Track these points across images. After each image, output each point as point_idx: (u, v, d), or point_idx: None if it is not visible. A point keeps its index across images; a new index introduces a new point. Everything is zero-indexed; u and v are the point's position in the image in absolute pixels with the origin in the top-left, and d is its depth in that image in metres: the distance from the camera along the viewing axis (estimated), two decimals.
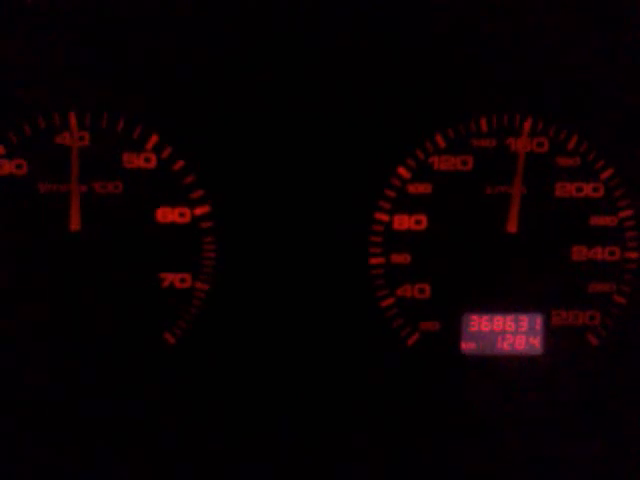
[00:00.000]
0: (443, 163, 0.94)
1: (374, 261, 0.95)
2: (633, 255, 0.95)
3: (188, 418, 0.93)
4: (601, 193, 0.95)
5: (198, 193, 0.93)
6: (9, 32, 0.89)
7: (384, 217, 0.94)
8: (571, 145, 0.94)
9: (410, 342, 0.96)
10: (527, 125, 0.92)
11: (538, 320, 0.95)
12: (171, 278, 0.93)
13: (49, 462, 0.90)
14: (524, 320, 0.95)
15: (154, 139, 0.92)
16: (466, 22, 0.91)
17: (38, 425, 0.91)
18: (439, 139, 0.94)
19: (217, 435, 0.92)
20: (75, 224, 0.90)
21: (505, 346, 0.96)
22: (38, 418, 0.92)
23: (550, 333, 0.96)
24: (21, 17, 0.89)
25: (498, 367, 0.95)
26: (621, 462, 0.90)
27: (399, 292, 0.95)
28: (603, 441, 0.93)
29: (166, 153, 0.92)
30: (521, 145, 0.92)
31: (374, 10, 0.89)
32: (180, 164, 0.93)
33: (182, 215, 0.93)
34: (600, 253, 0.95)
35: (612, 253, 0.95)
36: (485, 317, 0.95)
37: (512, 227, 0.92)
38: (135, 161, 0.92)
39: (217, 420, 0.92)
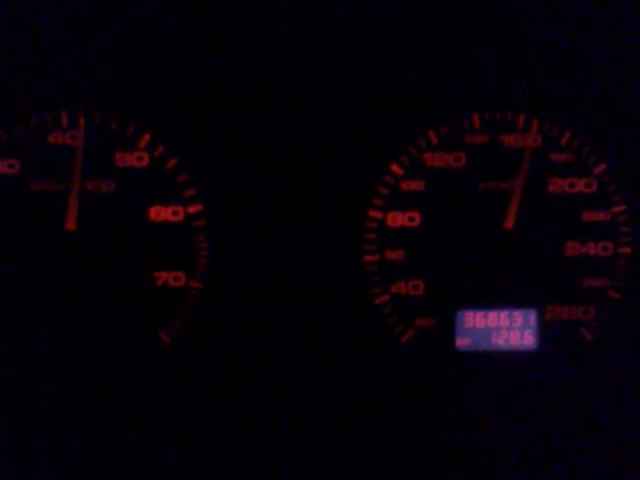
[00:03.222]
0: (436, 160, 0.94)
1: (368, 258, 0.95)
2: (626, 250, 0.95)
3: (184, 417, 0.93)
4: (594, 188, 0.95)
5: (191, 191, 0.93)
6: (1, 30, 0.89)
7: (377, 214, 0.94)
8: (564, 141, 0.94)
9: (404, 339, 0.96)
10: (536, 123, 0.92)
11: (532, 315, 0.95)
12: (165, 277, 0.93)
13: (45, 461, 0.90)
14: (518, 316, 0.95)
15: (146, 138, 0.92)
16: (461, 19, 0.90)
17: (33, 426, 0.91)
18: (432, 136, 0.94)
19: (213, 434, 0.92)
20: (71, 223, 0.90)
21: (500, 342, 0.96)
22: (33, 418, 0.92)
23: (544, 328, 0.96)
24: (14, 15, 0.88)
25: (493, 363, 0.96)
26: (617, 457, 0.90)
27: (393, 289, 0.95)
28: (598, 436, 0.93)
29: (158, 152, 0.92)
30: (529, 142, 0.92)
31: (368, 8, 0.89)
32: (173, 163, 0.92)
33: (175, 213, 0.93)
34: (593, 248, 0.95)
35: (605, 248, 0.95)
36: (479, 313, 0.95)
37: (509, 223, 0.92)
38: (128, 160, 0.92)
39: (212, 419, 0.92)
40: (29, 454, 0.90)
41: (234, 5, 0.89)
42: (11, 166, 0.91)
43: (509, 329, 0.96)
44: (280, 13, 0.90)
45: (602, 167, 0.94)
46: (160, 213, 0.92)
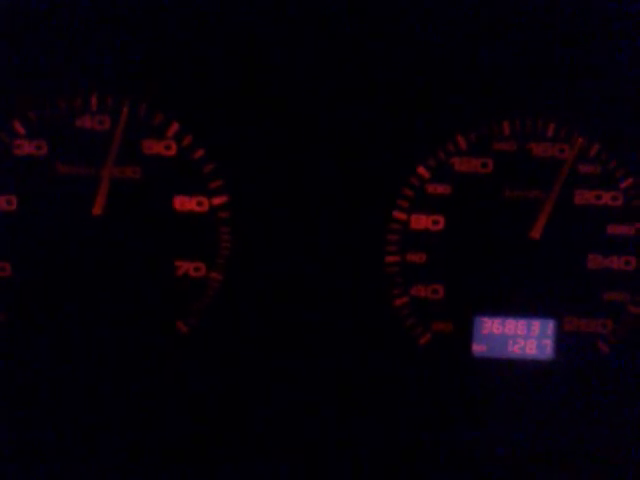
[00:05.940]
0: (463, 165, 0.93)
1: (390, 259, 0.94)
2: None
3: (200, 406, 0.93)
4: (620, 202, 0.94)
5: (217, 183, 0.93)
6: (32, 14, 0.88)
7: (402, 216, 0.94)
8: (592, 152, 0.94)
9: (422, 342, 0.96)
10: (580, 141, 0.92)
11: (550, 325, 0.95)
12: (186, 267, 0.93)
13: (56, 449, 0.90)
14: (536, 325, 0.95)
15: (175, 127, 0.92)
16: (492, 25, 0.90)
17: (48, 411, 0.91)
18: (460, 140, 0.93)
19: (228, 424, 0.92)
20: (99, 208, 0.90)
21: (516, 350, 0.96)
22: (48, 403, 0.92)
23: (561, 339, 0.96)
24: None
25: (508, 370, 0.96)
26: (632, 468, 0.90)
27: (413, 291, 0.95)
28: (611, 449, 0.93)
29: (186, 141, 0.92)
30: (571, 155, 0.92)
31: (397, 10, 0.89)
32: (200, 153, 0.92)
33: (200, 204, 0.92)
34: (616, 262, 0.95)
35: (628, 263, 0.95)
36: (497, 320, 0.95)
37: (537, 233, 0.92)
38: (155, 148, 0.92)
39: (228, 409, 0.93)
40: (44, 441, 0.90)
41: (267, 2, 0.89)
42: (38, 147, 0.91)
43: (526, 338, 0.96)
44: (311, 11, 0.89)
45: (629, 181, 0.94)
46: (185, 203, 0.92)
